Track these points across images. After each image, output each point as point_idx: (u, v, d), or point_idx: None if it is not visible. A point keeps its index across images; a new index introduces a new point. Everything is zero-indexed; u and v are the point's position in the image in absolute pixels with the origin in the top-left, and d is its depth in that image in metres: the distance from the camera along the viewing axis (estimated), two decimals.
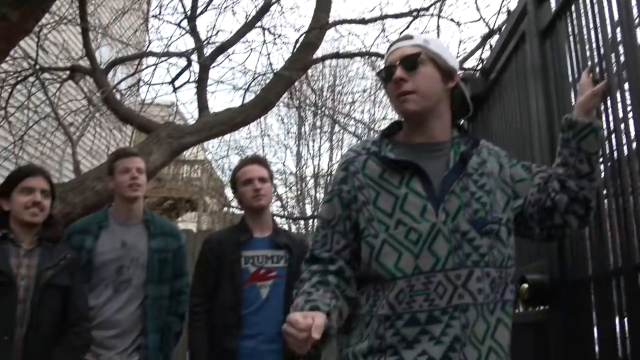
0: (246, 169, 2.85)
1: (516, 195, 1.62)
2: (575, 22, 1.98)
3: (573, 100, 1.96)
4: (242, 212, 3.02)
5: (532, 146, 2.24)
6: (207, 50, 5.80)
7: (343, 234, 1.63)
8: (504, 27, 2.90)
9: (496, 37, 3.79)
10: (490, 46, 2.97)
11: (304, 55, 5.42)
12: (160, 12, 6.57)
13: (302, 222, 12.37)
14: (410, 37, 1.66)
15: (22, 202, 2.48)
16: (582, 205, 1.58)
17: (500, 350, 1.50)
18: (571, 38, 2.01)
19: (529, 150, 2.28)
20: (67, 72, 6.17)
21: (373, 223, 1.55)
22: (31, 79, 5.97)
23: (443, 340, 1.45)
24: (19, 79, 5.93)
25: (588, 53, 1.89)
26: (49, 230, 2.56)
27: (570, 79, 2.02)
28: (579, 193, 1.57)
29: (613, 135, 1.77)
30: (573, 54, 2.00)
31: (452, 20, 5.56)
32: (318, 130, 13.25)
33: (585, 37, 1.90)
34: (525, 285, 2.03)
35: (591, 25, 1.85)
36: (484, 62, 3.01)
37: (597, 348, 1.79)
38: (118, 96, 5.77)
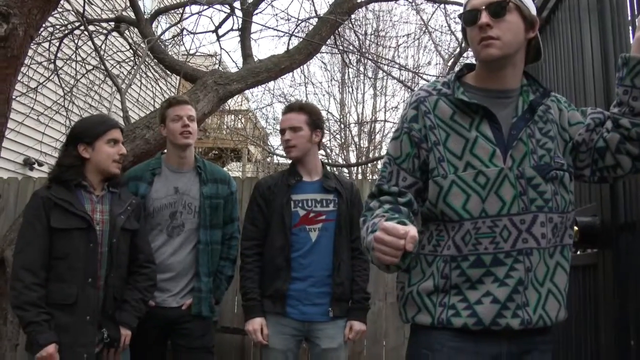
0: (282, 118, 2.90)
1: (571, 139, 1.64)
2: None
3: (631, 39, 1.88)
4: (287, 160, 3.05)
5: (586, 90, 2.17)
6: None
7: (410, 171, 1.64)
8: None
9: None
10: None
11: None
12: None
13: (345, 170, 12.38)
14: None
15: (111, 153, 2.57)
16: (636, 144, 1.55)
17: (558, 293, 1.55)
18: None
19: (581, 95, 2.21)
20: (113, 24, 6.22)
21: (442, 163, 1.58)
22: (77, 32, 6.05)
23: (507, 282, 1.50)
24: (66, 32, 6.01)
25: None
26: (116, 177, 2.64)
27: (630, 17, 1.93)
28: (631, 130, 1.55)
29: None
30: None
31: None
32: (362, 77, 13.10)
33: None
34: (575, 228, 2.00)
35: None
36: (535, 0, 2.90)
37: None
38: (162, 46, 5.80)
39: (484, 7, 1.56)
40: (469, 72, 1.71)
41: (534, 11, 1.62)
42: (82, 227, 2.43)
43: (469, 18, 1.59)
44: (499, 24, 1.55)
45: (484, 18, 1.55)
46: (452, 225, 1.56)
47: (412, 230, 1.34)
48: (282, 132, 2.85)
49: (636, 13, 1.85)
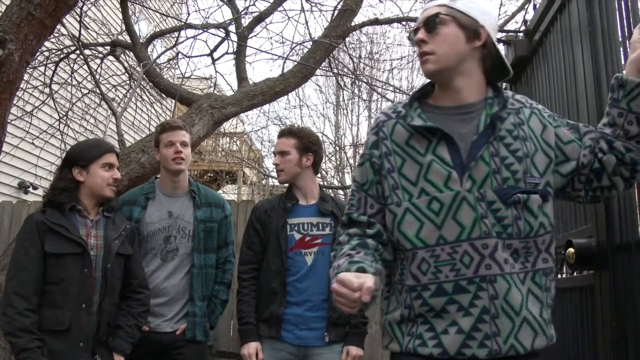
0: (276, 142, 2.91)
1: (566, 158, 1.56)
2: None
3: (623, 60, 1.90)
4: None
5: (579, 110, 2.19)
6: (245, 21, 5.80)
7: (376, 198, 1.62)
8: None
9: None
10: (534, 6, 2.88)
11: (342, 22, 5.37)
12: None
13: (341, 192, 12.38)
14: None
15: (105, 177, 2.56)
16: (628, 168, 1.54)
17: (534, 320, 1.48)
18: None
19: (574, 115, 2.22)
20: (108, 48, 6.26)
21: (397, 191, 1.55)
22: (73, 56, 6.08)
23: (471, 311, 1.45)
24: (62, 56, 6.04)
25: None
26: (111, 202, 2.63)
27: (620, 38, 1.95)
28: (625, 155, 1.53)
29: None
30: (623, 10, 1.93)
31: None
32: (356, 99, 13.17)
33: None
34: (572, 250, 2.00)
35: None
36: (528, 24, 2.93)
37: None
38: (157, 70, 5.83)
39: (421, 25, 1.58)
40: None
41: (482, 19, 1.56)
42: (77, 252, 2.41)
43: (412, 37, 1.62)
44: (433, 39, 1.55)
45: (419, 34, 1.57)
46: (407, 254, 1.54)
47: (368, 281, 1.35)
48: (274, 154, 2.89)
49: (627, 34, 1.87)
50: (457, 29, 1.55)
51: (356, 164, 1.73)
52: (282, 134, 2.90)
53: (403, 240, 1.54)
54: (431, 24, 1.56)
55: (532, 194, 1.49)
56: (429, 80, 1.66)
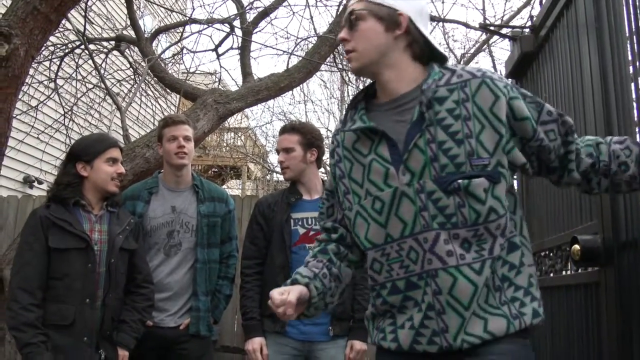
0: (278, 139, 2.89)
1: (512, 133, 1.47)
2: None
3: (630, 56, 1.89)
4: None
5: (585, 106, 2.18)
6: (250, 16, 5.79)
7: (340, 204, 1.65)
8: None
9: None
10: (540, 2, 2.87)
11: None
12: None
13: None
14: None
15: (109, 172, 2.57)
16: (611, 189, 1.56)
17: (493, 310, 1.40)
18: None
19: (580, 111, 2.21)
20: (113, 43, 6.26)
21: (348, 196, 1.57)
22: (78, 50, 6.08)
23: (422, 307, 1.44)
24: (67, 51, 6.05)
25: None
26: (115, 196, 2.64)
27: (627, 34, 1.94)
28: (592, 182, 1.54)
29: None
30: (630, 6, 1.91)
31: None
32: None
33: None
34: (577, 246, 2.00)
35: None
36: (534, 19, 2.92)
37: None
38: (162, 65, 5.83)
39: (344, 23, 1.57)
40: None
41: (402, 6, 1.51)
42: (81, 247, 2.42)
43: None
44: (353, 36, 1.53)
45: (342, 33, 1.56)
46: (364, 256, 1.58)
47: (291, 295, 1.47)
48: (278, 153, 2.87)
49: (634, 30, 1.86)
50: (374, 22, 1.51)
51: None
52: (285, 130, 2.88)
53: (358, 242, 1.57)
54: (350, 22, 1.54)
55: (476, 177, 1.41)
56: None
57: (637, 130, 1.87)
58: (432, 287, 1.41)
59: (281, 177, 12.35)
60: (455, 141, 1.42)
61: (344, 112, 1.70)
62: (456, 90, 1.46)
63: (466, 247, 1.41)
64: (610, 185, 1.54)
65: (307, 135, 2.85)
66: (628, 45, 1.93)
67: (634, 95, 1.86)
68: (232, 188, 15.45)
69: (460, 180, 1.40)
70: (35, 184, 8.39)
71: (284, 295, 1.47)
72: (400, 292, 1.47)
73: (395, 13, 1.51)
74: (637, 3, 1.86)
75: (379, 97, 1.60)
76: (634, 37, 1.84)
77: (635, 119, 1.86)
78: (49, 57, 5.95)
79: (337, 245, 1.65)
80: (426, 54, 1.55)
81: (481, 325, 1.39)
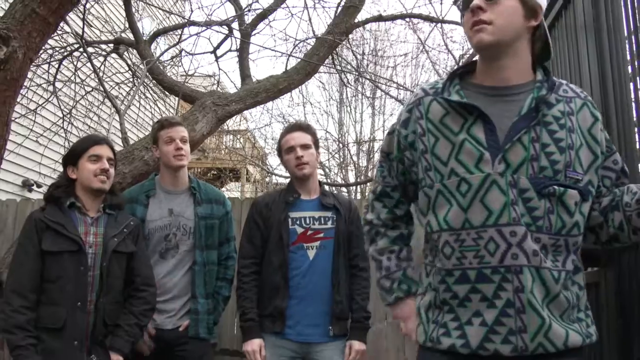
0: (288, 136, 2.83)
1: (602, 157, 1.49)
2: None
3: (629, 56, 1.89)
4: (286, 180, 3.04)
5: None
6: (248, 18, 5.80)
7: (396, 171, 1.65)
8: None
9: None
10: None
11: (346, 19, 5.36)
12: None
13: (344, 189, 12.37)
14: None
15: (91, 169, 2.55)
16: (601, 236, 1.53)
17: (558, 320, 1.40)
18: None
19: None
20: (112, 45, 6.26)
21: (429, 172, 1.50)
22: (76, 53, 6.08)
23: (496, 303, 1.38)
24: (66, 54, 6.04)
25: None
26: (113, 198, 2.63)
27: (625, 34, 1.94)
28: (610, 228, 1.49)
29: None
30: (629, 7, 1.92)
31: None
32: (360, 96, 13.17)
33: None
34: None
35: None
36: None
37: None
38: (161, 67, 5.83)
39: None
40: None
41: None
42: (73, 250, 2.41)
43: (464, 2, 1.50)
44: (492, 7, 1.44)
45: (477, 0, 1.45)
46: (433, 236, 1.51)
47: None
48: (291, 149, 2.79)
49: (632, 30, 1.86)
50: (517, 3, 1.45)
51: (385, 133, 1.72)
52: (300, 128, 2.86)
53: (434, 221, 1.50)
54: None
55: (570, 188, 1.40)
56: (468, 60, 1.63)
57: (636, 130, 1.87)
58: (514, 284, 1.36)
59: (280, 179, 12.37)
60: (558, 148, 1.41)
61: (434, 81, 1.62)
62: (562, 102, 1.47)
63: (544, 253, 1.39)
64: (624, 220, 1.46)
65: (316, 137, 2.89)
66: (627, 45, 1.92)
67: (632, 95, 1.86)
68: (231, 190, 15.43)
69: (556, 187, 1.39)
70: (34, 187, 8.37)
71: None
72: (469, 282, 1.41)
73: (536, 2, 1.47)
74: (635, 3, 1.86)
75: (481, 79, 1.54)
76: (632, 37, 1.84)
77: (634, 119, 1.86)
78: (48, 60, 5.94)
79: (405, 227, 1.70)
80: (541, 53, 1.53)
81: (563, 336, 1.38)
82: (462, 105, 1.47)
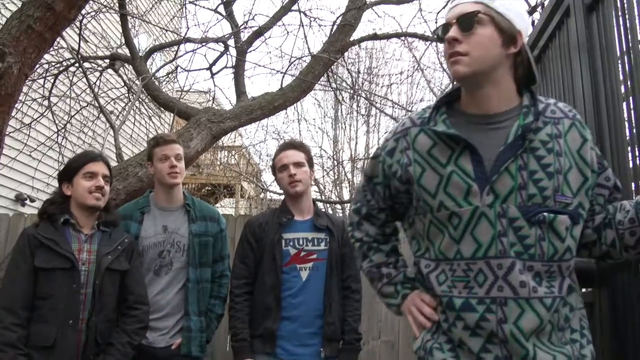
0: (282, 154, 2.84)
1: (591, 179, 1.48)
2: None
3: (621, 76, 1.90)
4: (280, 197, 3.03)
5: None
6: (244, 35, 5.83)
7: (382, 196, 1.64)
8: (547, 1, 2.83)
9: (538, 13, 3.70)
10: (532, 23, 2.89)
11: (341, 37, 5.40)
12: None
13: (339, 206, 12.36)
14: None
15: (86, 186, 2.54)
16: (595, 252, 1.53)
17: (549, 348, 1.39)
18: (619, 11, 1.95)
19: None
20: (107, 61, 6.27)
21: (420, 203, 1.50)
22: (72, 68, 6.09)
23: (479, 332, 1.38)
24: (61, 69, 6.05)
25: (638, 27, 1.82)
26: (108, 216, 2.62)
27: (618, 54, 1.96)
28: (604, 246, 1.50)
29: None
30: (621, 27, 1.93)
31: None
32: (355, 113, 13.21)
33: (636, 9, 1.83)
34: None
35: None
36: (526, 39, 2.94)
37: None
38: (156, 83, 5.84)
39: (454, 21, 1.45)
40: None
41: (519, 23, 1.46)
42: (66, 267, 2.39)
43: (442, 33, 1.48)
44: (468, 39, 1.42)
45: (452, 32, 1.44)
46: (431, 264, 1.51)
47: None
48: (284, 167, 2.81)
49: (625, 50, 1.87)
50: (494, 31, 1.43)
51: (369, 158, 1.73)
52: (294, 146, 2.88)
53: (431, 249, 1.50)
54: (468, 22, 1.43)
55: (560, 214, 1.39)
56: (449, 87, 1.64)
57: (628, 149, 1.88)
58: (497, 315, 1.37)
59: (275, 196, 12.35)
60: (546, 173, 1.40)
61: (422, 110, 1.60)
62: (550, 124, 1.45)
63: (538, 281, 1.38)
64: (617, 238, 1.47)
65: (309, 155, 2.90)
66: (619, 65, 1.94)
67: (625, 115, 1.86)
68: (226, 207, 15.40)
69: (546, 213, 1.38)
70: (28, 201, 8.33)
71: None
72: (454, 310, 1.42)
73: (514, 29, 1.44)
74: (628, 23, 1.87)
75: (467, 107, 1.52)
76: (625, 57, 1.85)
77: (627, 138, 1.87)
78: (43, 75, 5.95)
79: (394, 242, 1.72)
80: (525, 78, 1.51)
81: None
82: (449, 136, 1.46)
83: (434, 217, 1.47)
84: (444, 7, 5.93)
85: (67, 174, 2.58)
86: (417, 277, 1.58)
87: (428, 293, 1.52)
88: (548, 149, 1.42)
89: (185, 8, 7.32)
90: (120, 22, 5.65)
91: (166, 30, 7.49)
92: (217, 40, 5.72)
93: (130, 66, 5.92)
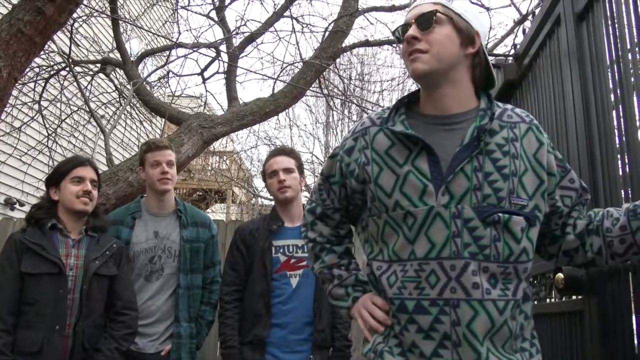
0: (272, 161, 2.85)
1: (547, 182, 1.48)
2: (613, 3, 1.93)
3: (611, 85, 1.91)
4: (271, 202, 3.03)
5: (568, 134, 2.19)
6: (236, 41, 5.83)
7: (338, 196, 1.63)
8: (537, 10, 2.85)
9: (528, 22, 3.73)
10: (523, 31, 2.91)
11: (333, 43, 5.41)
12: (189, 3, 6.62)
13: None
14: None
15: (74, 191, 2.52)
16: (576, 258, 1.52)
17: (500, 354, 1.37)
18: (609, 20, 1.96)
19: (563, 139, 2.23)
20: (99, 65, 6.25)
21: (375, 203, 1.49)
22: (63, 72, 6.07)
23: (432, 335, 1.37)
24: (52, 72, 6.03)
25: (628, 36, 1.83)
26: (96, 221, 2.60)
27: (608, 62, 1.97)
28: (589, 253, 1.49)
29: None
30: (611, 36, 1.94)
31: (482, 5, 5.46)
32: (346, 120, 13.22)
33: (625, 19, 1.85)
34: (561, 275, 1.99)
35: (631, 6, 1.80)
36: (517, 48, 2.95)
37: (635, 338, 1.76)
38: (148, 88, 5.83)
39: (413, 20, 1.47)
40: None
41: (477, 25, 1.49)
42: (53, 273, 2.38)
43: (401, 33, 1.50)
44: (426, 37, 1.44)
45: (411, 30, 1.45)
46: (383, 265, 1.49)
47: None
48: (274, 173, 2.81)
49: (614, 59, 1.89)
50: (452, 31, 1.45)
51: (328, 155, 1.71)
52: (284, 152, 2.89)
53: (385, 250, 1.48)
54: (426, 21, 1.45)
55: (515, 215, 1.39)
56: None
57: (618, 157, 1.89)
58: (451, 317, 1.35)
59: (266, 202, 12.35)
60: (501, 175, 1.40)
61: (381, 110, 1.61)
62: (506, 128, 1.46)
63: (492, 283, 1.38)
64: (604, 246, 1.46)
65: (300, 161, 2.90)
66: (609, 74, 1.95)
67: (615, 123, 1.87)
68: (217, 212, 15.36)
69: (501, 214, 1.38)
70: (17, 206, 8.28)
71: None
72: (407, 313, 1.40)
73: (472, 30, 1.47)
74: (618, 32, 1.88)
75: (424, 108, 1.53)
76: (615, 66, 1.87)
77: (617, 146, 1.88)
78: (34, 79, 5.93)
79: (348, 243, 1.72)
80: (483, 80, 1.53)
81: None
82: (407, 136, 1.46)
83: (389, 217, 1.46)
84: None
85: (55, 178, 2.57)
86: (370, 280, 1.56)
87: (380, 296, 1.50)
88: (504, 151, 1.43)
89: (177, 13, 7.31)
90: (111, 27, 5.63)
91: (158, 35, 7.47)
92: (209, 46, 5.72)
93: (122, 71, 5.91)
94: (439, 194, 1.39)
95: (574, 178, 1.55)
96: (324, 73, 6.07)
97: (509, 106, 1.55)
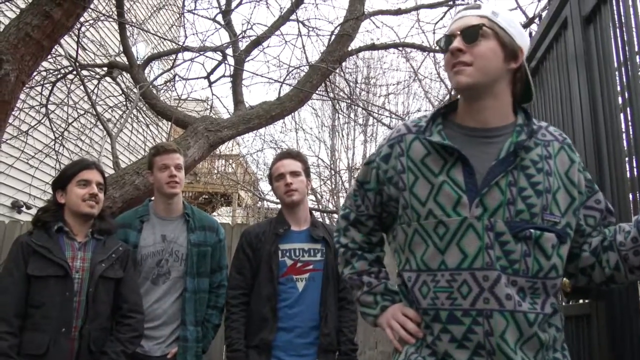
0: (278, 164, 2.85)
1: (579, 200, 1.49)
2: (621, 6, 1.92)
3: (619, 88, 1.90)
4: (277, 206, 3.03)
5: (575, 137, 2.19)
6: (242, 44, 5.84)
7: (373, 202, 1.63)
8: (544, 13, 2.84)
9: (535, 25, 3.72)
10: (530, 34, 2.90)
11: (339, 47, 5.41)
12: (195, 7, 6.65)
13: (336, 215, 12.36)
14: (477, 7, 1.51)
15: (80, 194, 2.53)
16: (595, 277, 1.51)
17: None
18: (617, 23, 1.96)
19: (571, 141, 2.22)
20: (105, 69, 6.28)
21: (407, 210, 1.50)
22: (70, 76, 6.09)
23: (466, 344, 1.38)
24: (59, 76, 6.05)
25: (635, 39, 1.83)
26: (102, 223, 2.61)
27: (616, 65, 1.96)
28: (606, 270, 1.47)
29: None
30: (619, 40, 1.94)
31: None
32: (352, 123, 13.23)
33: (633, 21, 1.84)
34: (565, 280, 1.99)
35: (639, 9, 1.79)
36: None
37: None
38: (154, 92, 5.85)
39: (459, 32, 1.48)
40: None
41: (520, 40, 1.50)
42: (59, 275, 2.38)
43: (445, 44, 1.51)
44: (472, 50, 1.45)
45: (456, 42, 1.46)
46: (411, 275, 1.50)
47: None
48: (281, 176, 2.81)
49: (622, 62, 1.88)
50: (497, 45, 1.46)
51: (364, 162, 1.70)
52: (290, 155, 2.89)
53: (412, 260, 1.50)
54: (472, 34, 1.46)
55: (547, 231, 1.40)
56: (445, 99, 1.63)
57: (626, 160, 1.88)
58: (484, 328, 1.36)
59: (272, 205, 12.35)
60: (535, 191, 1.42)
61: (418, 118, 1.61)
62: (541, 146, 1.48)
63: (522, 296, 1.39)
64: (621, 260, 1.45)
65: (307, 165, 2.90)
66: (617, 77, 1.94)
67: (623, 126, 1.87)
68: (223, 215, 15.37)
69: (532, 230, 1.39)
70: (24, 209, 8.31)
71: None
72: (440, 322, 1.42)
73: (516, 45, 1.48)
74: (625, 35, 1.88)
75: (463, 119, 1.54)
76: (622, 68, 1.86)
77: (625, 149, 1.87)
78: (41, 82, 5.95)
79: (379, 251, 1.72)
80: (521, 95, 1.54)
81: None
82: (443, 147, 1.48)
83: (419, 225, 1.47)
84: (441, 18, 5.98)
85: (61, 181, 2.57)
86: (401, 290, 1.57)
87: (412, 307, 1.51)
88: (538, 168, 1.44)
89: (184, 17, 7.34)
90: (118, 31, 5.66)
91: (164, 39, 7.50)
92: (215, 49, 5.74)
93: (128, 74, 5.93)
94: (472, 206, 1.41)
95: (601, 199, 1.55)
96: (330, 76, 6.08)
97: (544, 123, 1.57)
